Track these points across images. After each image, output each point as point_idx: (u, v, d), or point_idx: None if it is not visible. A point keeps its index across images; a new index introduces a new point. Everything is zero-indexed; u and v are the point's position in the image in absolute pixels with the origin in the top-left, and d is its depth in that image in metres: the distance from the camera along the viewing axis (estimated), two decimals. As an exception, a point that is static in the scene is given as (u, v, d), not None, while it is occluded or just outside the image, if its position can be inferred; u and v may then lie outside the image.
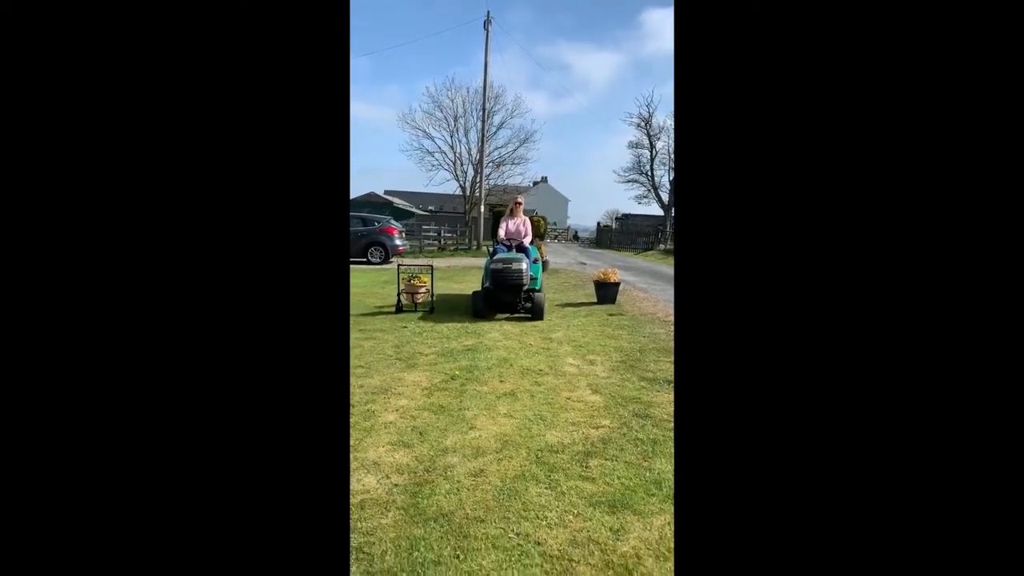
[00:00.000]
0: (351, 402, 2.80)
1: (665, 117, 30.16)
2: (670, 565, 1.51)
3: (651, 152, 30.99)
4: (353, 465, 2.09)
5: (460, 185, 24.23)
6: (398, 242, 13.03)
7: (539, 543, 1.61)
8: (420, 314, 5.54)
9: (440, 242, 19.95)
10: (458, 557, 1.53)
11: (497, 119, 23.33)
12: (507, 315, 5.48)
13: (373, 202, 24.57)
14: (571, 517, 1.76)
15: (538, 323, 5.21)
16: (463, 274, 10.12)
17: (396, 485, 1.95)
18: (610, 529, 1.69)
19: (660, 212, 31.54)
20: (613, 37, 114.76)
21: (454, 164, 23.91)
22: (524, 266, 5.28)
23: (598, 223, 37.54)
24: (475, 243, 19.78)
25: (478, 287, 5.91)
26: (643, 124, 30.59)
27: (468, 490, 1.92)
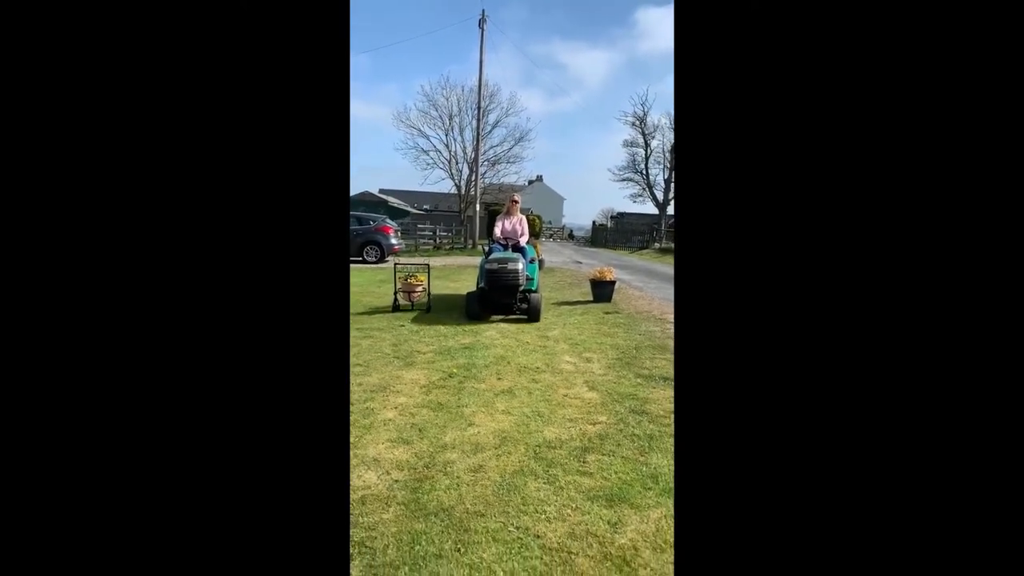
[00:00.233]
0: (350, 400, 2.82)
1: (660, 116, 30.28)
2: (666, 557, 1.54)
3: (646, 151, 31.15)
4: (354, 461, 2.11)
5: (455, 184, 24.28)
6: (394, 241, 13.01)
7: (538, 536, 1.64)
8: (417, 313, 5.55)
9: (436, 241, 19.94)
10: (459, 550, 1.56)
11: (492, 117, 23.41)
12: (502, 316, 5.37)
13: (368, 201, 24.48)
14: (569, 511, 1.79)
15: (535, 322, 5.22)
16: (459, 273, 10.14)
17: (396, 481, 1.97)
18: (608, 522, 1.72)
19: (655, 211, 31.65)
20: (608, 35, 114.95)
21: (449, 163, 23.97)
22: (520, 266, 5.16)
23: (593, 222, 37.65)
24: (470, 242, 19.79)
25: (474, 287, 5.84)
26: (638, 123, 30.76)
27: (468, 485, 1.95)
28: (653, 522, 1.72)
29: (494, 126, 23.68)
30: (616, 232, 30.82)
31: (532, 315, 5.21)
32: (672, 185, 30.27)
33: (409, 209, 29.99)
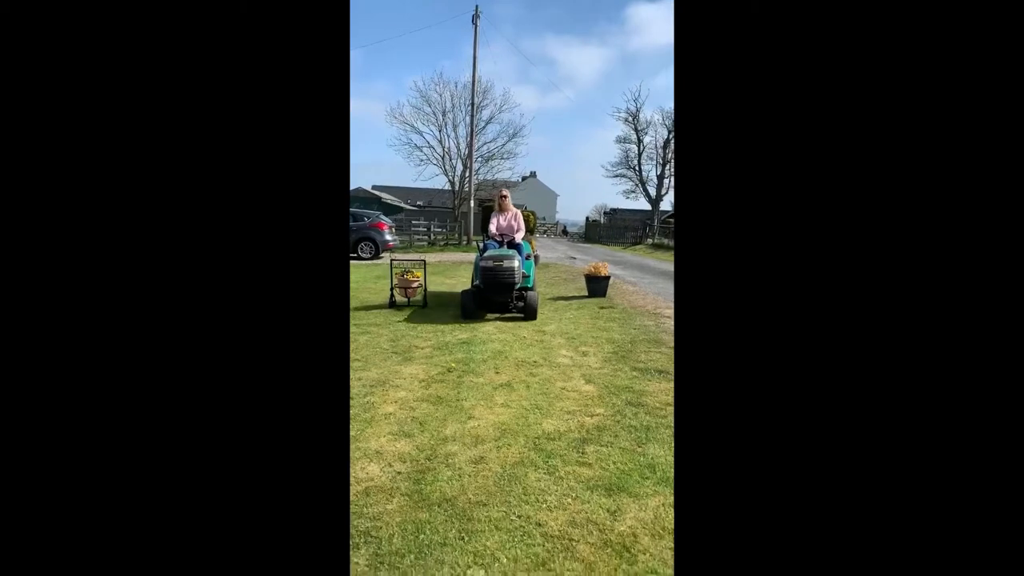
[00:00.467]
0: (350, 394, 2.85)
1: (653, 112, 30.28)
2: (665, 543, 1.58)
3: (639, 147, 31.17)
4: (356, 455, 2.14)
5: (449, 180, 24.24)
6: (388, 237, 13.00)
7: (540, 524, 1.68)
8: (413, 309, 5.58)
9: (430, 237, 19.91)
10: (463, 539, 1.60)
11: (486, 114, 23.37)
12: (498, 315, 5.25)
13: (361, 197, 24.42)
14: (570, 500, 1.83)
15: (531, 317, 5.23)
16: (454, 269, 10.15)
17: (399, 473, 2.01)
18: (607, 510, 1.77)
19: (648, 207, 31.74)
20: (599, 31, 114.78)
21: (443, 159, 23.92)
22: (516, 264, 5.00)
23: (587, 218, 37.68)
24: (465, 238, 19.78)
25: (469, 283, 5.76)
26: (631, 119, 30.74)
27: (470, 476, 1.98)
28: (651, 510, 1.77)
29: (488, 122, 23.67)
30: (609, 228, 30.87)
31: (529, 314, 5.09)
32: (665, 181, 30.36)
33: (403, 205, 29.90)
